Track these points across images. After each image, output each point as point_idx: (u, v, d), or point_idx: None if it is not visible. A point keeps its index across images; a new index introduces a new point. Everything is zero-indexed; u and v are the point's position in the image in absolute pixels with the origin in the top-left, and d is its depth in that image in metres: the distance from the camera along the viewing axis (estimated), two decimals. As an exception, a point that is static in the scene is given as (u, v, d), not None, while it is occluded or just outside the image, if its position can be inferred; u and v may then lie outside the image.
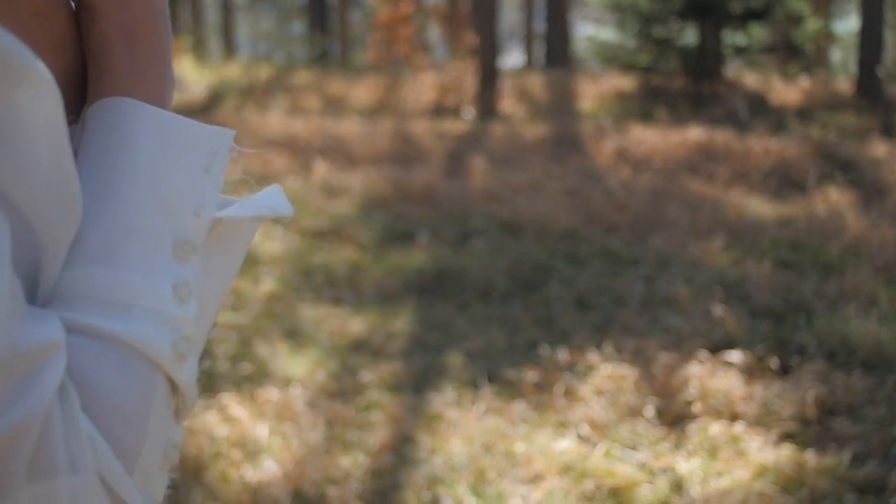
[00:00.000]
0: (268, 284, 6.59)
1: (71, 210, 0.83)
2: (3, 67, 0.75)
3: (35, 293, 0.82)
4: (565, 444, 4.60)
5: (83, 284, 0.83)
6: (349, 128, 10.33)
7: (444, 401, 5.04)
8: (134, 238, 0.85)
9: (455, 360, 5.44)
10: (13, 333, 0.73)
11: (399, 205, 7.98)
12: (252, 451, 4.63)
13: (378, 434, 4.78)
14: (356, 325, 5.99)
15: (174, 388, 0.85)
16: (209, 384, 5.24)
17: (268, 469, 4.49)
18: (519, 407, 4.95)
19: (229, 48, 16.93)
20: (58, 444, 0.75)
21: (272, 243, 7.26)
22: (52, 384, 0.74)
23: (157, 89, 0.92)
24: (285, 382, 5.27)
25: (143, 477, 0.83)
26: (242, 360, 5.54)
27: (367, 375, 5.33)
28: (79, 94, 0.94)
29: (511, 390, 5.16)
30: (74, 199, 0.83)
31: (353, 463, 4.55)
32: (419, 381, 5.29)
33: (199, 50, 15.12)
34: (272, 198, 0.97)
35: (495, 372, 5.32)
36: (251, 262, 6.93)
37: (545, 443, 4.62)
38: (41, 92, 0.78)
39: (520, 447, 4.59)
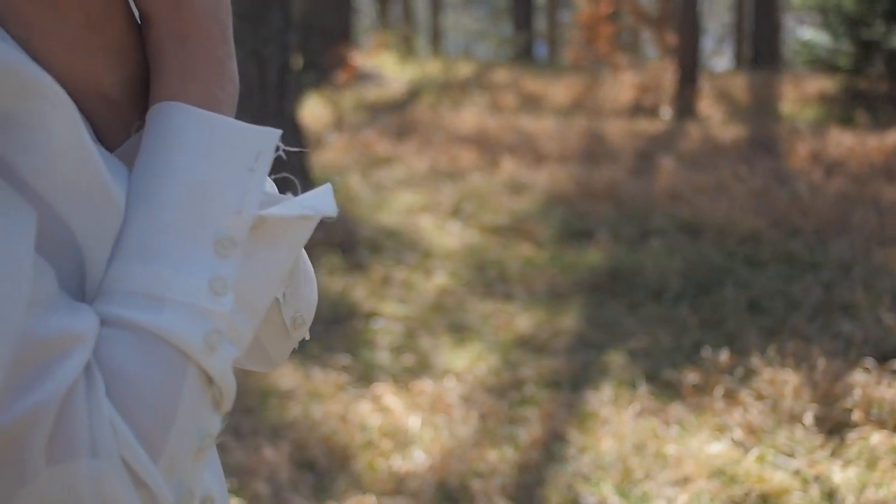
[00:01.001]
0: (440, 278, 6.63)
1: (109, 213, 0.88)
2: (14, 80, 0.81)
3: (83, 292, 0.88)
4: (718, 448, 4.48)
5: (120, 280, 0.87)
6: (542, 125, 10.31)
7: (600, 399, 4.98)
8: (170, 234, 0.88)
9: (617, 358, 5.37)
10: (30, 324, 0.78)
11: (581, 202, 7.92)
12: (402, 442, 4.67)
13: (530, 430, 4.75)
14: (523, 321, 5.98)
15: (209, 379, 0.88)
16: (366, 374, 5.31)
17: (416, 460, 4.52)
18: (676, 408, 4.85)
19: (437, 45, 17.10)
20: (80, 428, 0.79)
21: (449, 238, 7.30)
22: (71, 374, 0.79)
23: (205, 92, 0.95)
24: (444, 375, 5.30)
25: (171, 464, 0.85)
26: (405, 352, 5.59)
27: (526, 371, 5.31)
28: (142, 99, 0.98)
29: (670, 391, 5.06)
30: (111, 202, 0.89)
31: (500, 457, 4.54)
32: (578, 379, 5.24)
33: (403, 47, 15.31)
34: (319, 198, 0.99)
35: (655, 372, 5.22)
36: (425, 256, 6.98)
37: (697, 446, 4.52)
38: (54, 103, 0.84)
39: (671, 449, 4.49)
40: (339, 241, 6.91)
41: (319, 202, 0.98)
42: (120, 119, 0.98)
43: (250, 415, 4.81)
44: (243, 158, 0.92)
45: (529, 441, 4.67)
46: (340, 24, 13.10)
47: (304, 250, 1.11)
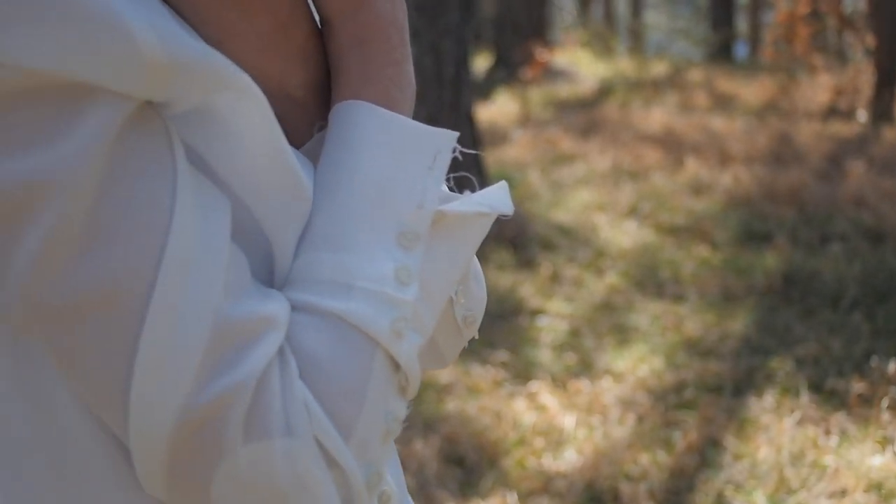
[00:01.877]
0: (611, 277, 6.57)
1: (297, 205, 0.93)
2: (210, 73, 0.85)
3: (271, 282, 0.92)
4: (879, 461, 4.33)
5: (309, 268, 0.91)
6: (730, 126, 10.11)
7: (761, 406, 4.86)
8: (357, 226, 0.92)
9: (783, 365, 5.23)
10: (226, 307, 0.83)
11: (762, 205, 7.73)
12: (555, 441, 4.65)
13: (686, 434, 4.67)
14: (691, 323, 5.87)
15: (396, 365, 0.92)
16: (525, 371, 5.30)
17: (568, 460, 4.49)
18: (838, 418, 4.70)
19: (637, 44, 16.96)
20: (275, 408, 0.83)
21: (623, 237, 7.23)
22: (266, 356, 0.83)
23: (385, 92, 0.99)
24: (604, 375, 5.25)
25: (361, 446, 0.88)
26: (567, 351, 5.56)
27: (688, 374, 5.21)
28: (325, 101, 1.02)
29: (834, 401, 4.90)
30: (300, 194, 0.93)
31: (651, 461, 4.47)
32: (741, 384, 5.12)
33: (599, 44, 15.22)
34: (496, 195, 1.04)
35: (821, 380, 5.06)
36: (597, 254, 6.93)
37: (858, 458, 4.37)
38: (245, 95, 0.88)
39: (829, 460, 4.36)
40: (510, 237, 6.92)
41: (496, 200, 1.03)
42: (304, 119, 1.02)
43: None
44: (422, 157, 0.96)
45: (684, 446, 4.59)
46: (534, 21, 13.09)
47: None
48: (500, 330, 5.76)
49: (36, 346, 0.88)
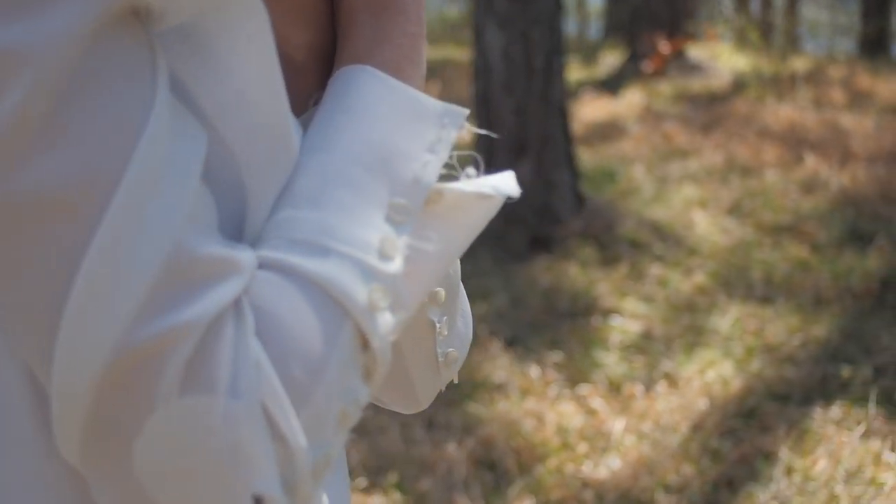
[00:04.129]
0: (698, 277, 6.28)
1: (282, 155, 0.85)
2: None
3: (241, 238, 0.84)
4: (941, 482, 4.01)
5: (284, 225, 0.83)
6: (860, 124, 9.64)
7: (826, 417, 4.55)
8: (346, 187, 0.85)
9: (859, 374, 4.89)
10: (189, 239, 0.74)
11: (873, 205, 7.31)
12: (600, 448, 4.45)
13: (739, 444, 4.41)
14: (774, 328, 5.56)
15: (365, 344, 0.82)
16: (583, 373, 5.08)
17: (609, 467, 4.29)
18: (910, 433, 4.37)
19: (786, 38, 16.44)
20: (222, 363, 0.73)
21: (720, 235, 6.92)
22: (222, 300, 0.74)
23: (395, 60, 0.94)
24: (663, 380, 5.00)
25: (314, 422, 0.78)
26: (636, 353, 5.32)
27: (757, 382, 4.93)
28: (326, 69, 0.97)
29: (907, 414, 4.57)
30: (287, 144, 0.86)
31: (696, 471, 4.23)
32: (811, 393, 4.82)
33: (740, 38, 14.77)
34: (501, 180, 0.95)
35: (894, 392, 4.72)
36: (689, 253, 6.64)
37: (922, 477, 4.05)
38: (251, 15, 0.82)
39: (888, 477, 4.05)
40: (596, 234, 6.68)
41: (501, 183, 0.94)
42: (302, 85, 0.97)
43: (450, 407, 4.70)
44: (427, 130, 0.90)
45: (736, 456, 4.34)
46: (670, 13, 12.79)
47: (462, 287, 1.11)
48: (567, 330, 5.56)
49: None
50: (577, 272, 6.27)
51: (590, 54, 14.20)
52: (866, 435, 4.38)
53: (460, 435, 4.48)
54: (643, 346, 5.40)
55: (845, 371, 4.93)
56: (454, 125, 0.92)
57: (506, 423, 4.59)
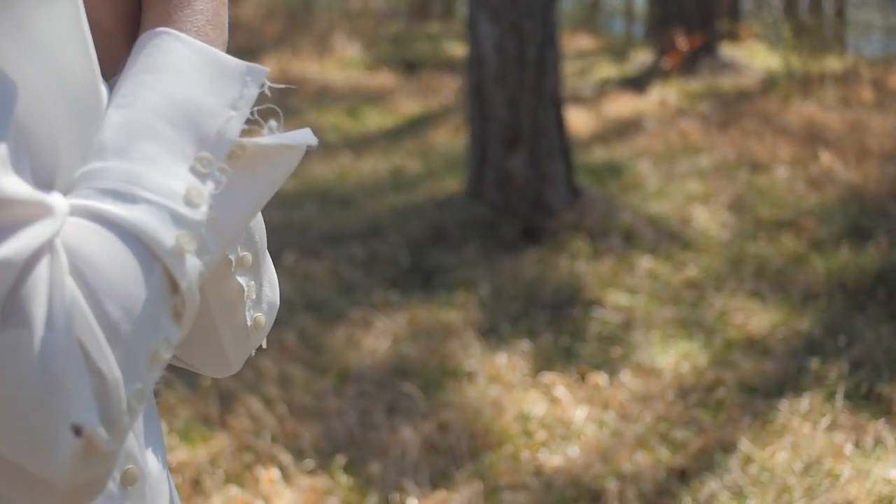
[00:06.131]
0: (690, 271, 6.20)
1: (91, 112, 0.91)
2: None
3: (51, 184, 0.87)
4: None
5: (93, 174, 0.88)
6: (882, 123, 9.49)
7: (792, 409, 4.47)
8: (152, 139, 0.90)
9: (834, 368, 4.79)
10: (2, 180, 0.78)
11: (879, 202, 7.18)
12: (560, 436, 4.40)
13: (700, 434, 4.34)
14: (758, 321, 5.47)
15: (175, 287, 0.88)
16: (548, 364, 5.02)
17: (566, 455, 4.24)
18: (876, 426, 4.28)
19: (832, 39, 16.23)
20: (38, 297, 0.78)
21: (717, 230, 6.83)
22: (36, 239, 0.79)
23: (197, 24, 0.99)
24: (634, 370, 4.93)
25: (127, 358, 0.83)
26: (613, 344, 5.25)
27: (730, 374, 4.85)
28: (133, 34, 1.02)
29: (878, 407, 4.48)
30: (96, 103, 0.91)
31: (651, 461, 4.17)
32: (782, 386, 4.74)
33: (776, 38, 14.59)
34: (300, 133, 1.02)
35: (870, 386, 4.62)
36: (683, 247, 6.55)
37: (881, 469, 3.97)
38: None
39: (846, 470, 3.96)
40: (590, 227, 6.62)
41: (300, 135, 1.01)
42: (110, 50, 1.01)
43: (413, 394, 4.67)
44: (230, 88, 0.96)
45: (697, 446, 4.27)
46: (700, 12, 12.69)
47: (268, 254, 1.17)
48: (545, 320, 5.50)
49: None
50: (566, 264, 6.21)
51: (621, 52, 14.12)
52: (831, 428, 4.30)
53: (418, 420, 4.45)
54: (620, 336, 5.33)
55: (819, 365, 4.84)
56: (255, 83, 0.98)
57: (467, 409, 4.55)
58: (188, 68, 0.95)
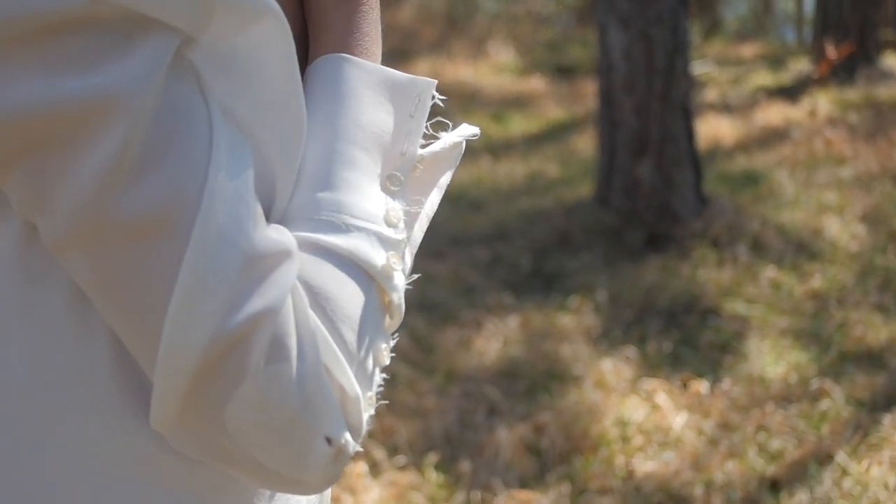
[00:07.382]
0: (816, 282, 6.12)
1: (297, 142, 0.99)
2: (240, 5, 0.90)
3: (268, 217, 0.98)
4: None
5: (306, 207, 0.99)
6: None
7: (894, 423, 4.42)
8: (349, 167, 1.00)
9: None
10: (257, 237, 0.90)
11: None
12: (657, 442, 4.42)
13: (800, 445, 4.32)
14: (877, 334, 5.39)
15: (387, 301, 1.01)
16: (654, 371, 5.04)
17: (661, 461, 4.27)
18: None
19: None
20: (291, 334, 0.90)
21: (849, 242, 6.70)
22: (287, 284, 0.90)
23: (368, 48, 1.07)
24: (746, 379, 4.92)
25: (362, 372, 0.97)
26: (725, 353, 5.24)
27: (835, 385, 4.80)
28: (300, 56, 1.06)
29: None
30: (301, 132, 0.98)
31: (743, 470, 4.18)
32: (890, 401, 4.67)
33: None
34: (461, 129, 1.12)
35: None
36: (810, 257, 6.45)
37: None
38: (275, 26, 0.94)
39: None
40: (716, 234, 6.59)
41: (461, 131, 1.11)
42: None
43: (517, 396, 4.75)
44: (406, 105, 1.05)
45: (793, 457, 4.25)
46: (859, 21, 12.40)
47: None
48: (660, 327, 5.51)
49: (49, 274, 0.95)
50: (687, 271, 6.20)
51: (779, 60, 13.89)
52: (930, 443, 4.24)
53: (517, 422, 4.52)
54: (732, 345, 5.31)
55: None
56: (427, 95, 1.06)
57: (565, 412, 4.61)
58: (368, 91, 1.02)
